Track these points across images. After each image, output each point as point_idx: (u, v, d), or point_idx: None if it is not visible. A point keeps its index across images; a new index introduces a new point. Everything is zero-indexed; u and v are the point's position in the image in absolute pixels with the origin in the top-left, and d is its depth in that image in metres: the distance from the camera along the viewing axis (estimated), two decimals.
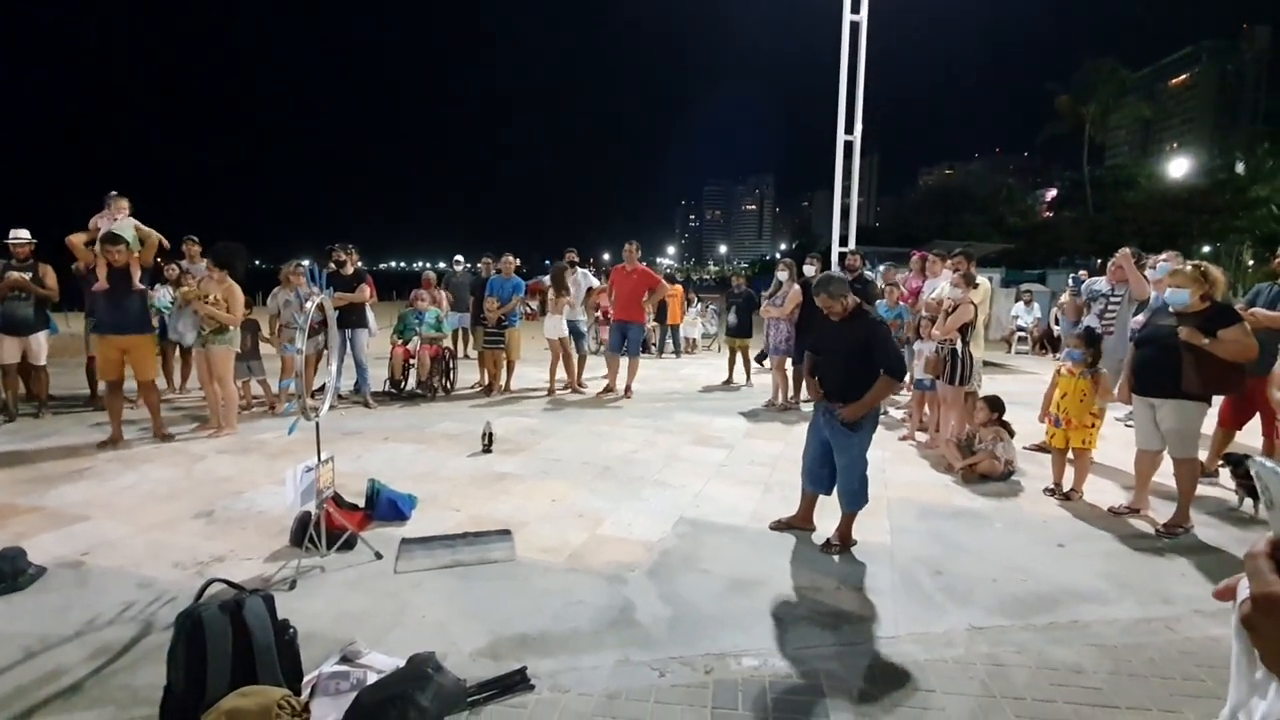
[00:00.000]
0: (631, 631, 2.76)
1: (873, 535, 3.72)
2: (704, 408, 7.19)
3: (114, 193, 5.49)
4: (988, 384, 6.33)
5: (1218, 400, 4.36)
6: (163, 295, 6.87)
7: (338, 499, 3.63)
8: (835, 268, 8.59)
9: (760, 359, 8.55)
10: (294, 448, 5.00)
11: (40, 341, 6.20)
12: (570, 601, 2.98)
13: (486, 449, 5.27)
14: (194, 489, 4.36)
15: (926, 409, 5.99)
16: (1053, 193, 58.45)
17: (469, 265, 10.08)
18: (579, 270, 8.66)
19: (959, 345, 5.24)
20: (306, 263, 6.96)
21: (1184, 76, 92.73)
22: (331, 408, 5.41)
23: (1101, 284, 6.09)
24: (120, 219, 5.46)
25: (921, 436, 5.91)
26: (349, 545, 3.42)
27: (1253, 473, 0.65)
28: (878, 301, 6.80)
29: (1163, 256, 5.59)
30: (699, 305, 13.49)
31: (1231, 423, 4.85)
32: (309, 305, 3.61)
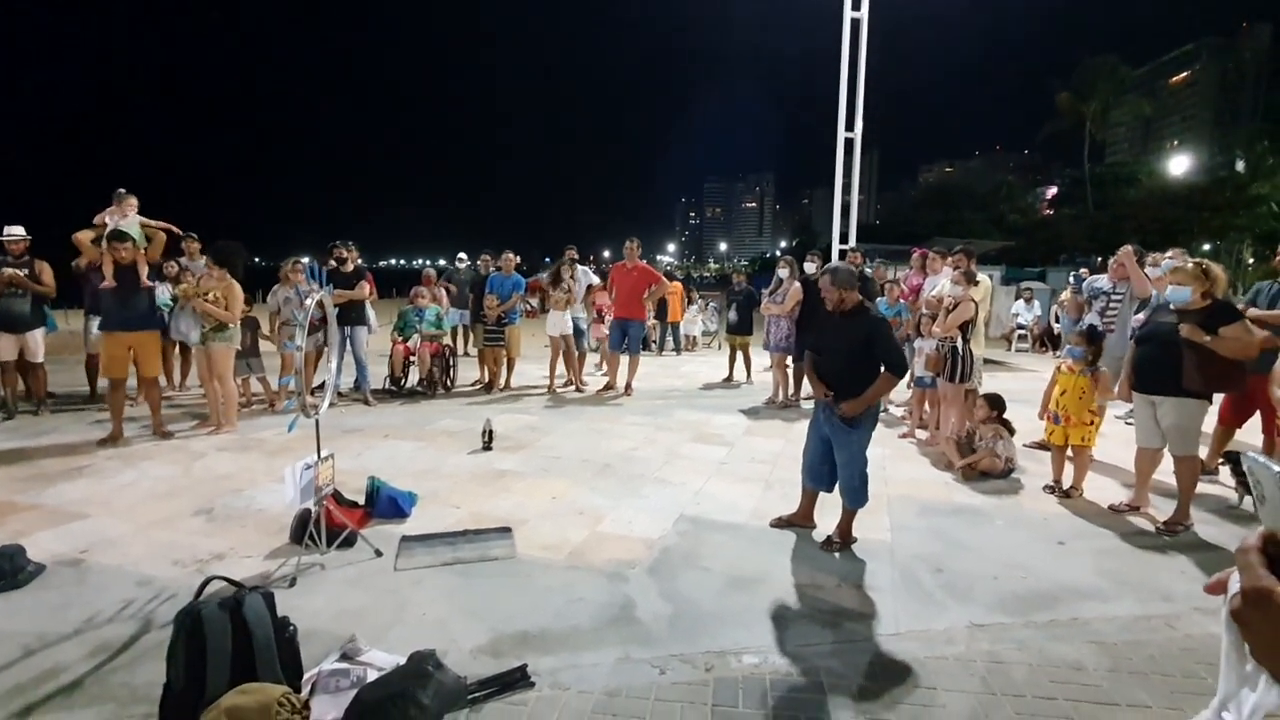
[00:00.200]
0: (632, 629, 2.76)
1: (873, 532, 3.72)
2: (704, 405, 7.18)
3: (122, 190, 5.46)
4: (988, 381, 6.32)
5: (1218, 398, 4.36)
6: (162, 292, 6.85)
7: (338, 496, 3.62)
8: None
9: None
10: (294, 445, 5.00)
11: (37, 339, 6.18)
12: (571, 599, 2.98)
13: (487, 446, 5.27)
14: (193, 486, 4.35)
15: (927, 406, 6.00)
16: (1053, 190, 58.50)
17: (471, 263, 10.09)
18: (578, 267, 8.65)
19: (959, 343, 5.24)
20: (306, 260, 6.95)
21: (1184, 74, 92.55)
22: (331, 405, 5.42)
23: (1103, 282, 6.08)
24: (130, 216, 5.45)
25: (922, 434, 5.91)
26: (349, 542, 3.42)
27: (1244, 468, 0.66)
28: (878, 299, 6.80)
29: (1168, 254, 5.58)
30: (699, 302, 13.50)
31: (1232, 420, 4.86)
32: (309, 302, 3.60)
